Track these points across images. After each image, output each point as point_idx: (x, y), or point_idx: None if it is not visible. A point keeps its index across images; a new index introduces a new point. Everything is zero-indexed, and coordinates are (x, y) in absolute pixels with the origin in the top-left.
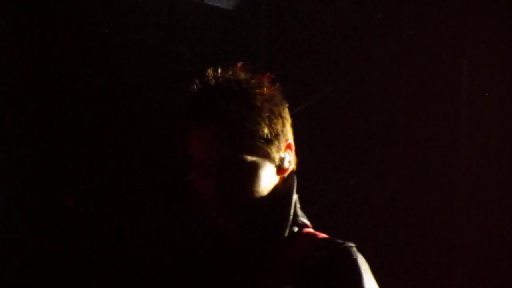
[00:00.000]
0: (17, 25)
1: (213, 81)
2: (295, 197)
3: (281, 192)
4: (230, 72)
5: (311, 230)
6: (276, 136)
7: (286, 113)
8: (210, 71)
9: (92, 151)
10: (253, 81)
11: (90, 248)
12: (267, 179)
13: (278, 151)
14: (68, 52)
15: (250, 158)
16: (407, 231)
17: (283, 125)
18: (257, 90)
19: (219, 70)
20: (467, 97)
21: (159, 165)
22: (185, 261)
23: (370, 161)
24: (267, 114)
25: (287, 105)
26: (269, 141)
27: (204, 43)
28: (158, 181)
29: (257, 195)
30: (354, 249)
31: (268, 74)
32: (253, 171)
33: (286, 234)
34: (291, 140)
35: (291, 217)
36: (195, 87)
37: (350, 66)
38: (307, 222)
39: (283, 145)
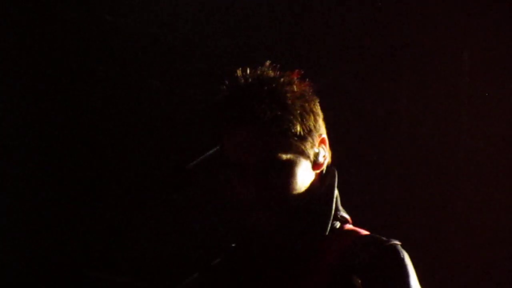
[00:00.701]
0: (17, 11)
1: (243, 81)
2: (336, 192)
3: (319, 188)
4: (259, 72)
5: (351, 226)
6: (309, 132)
7: (318, 108)
8: (239, 71)
9: (93, 143)
10: (282, 79)
11: (91, 244)
12: (304, 176)
13: (312, 147)
14: (67, 41)
15: (285, 156)
16: (407, 231)
17: (315, 120)
18: (288, 88)
19: (248, 70)
20: (467, 96)
21: (160, 155)
22: (221, 258)
23: (370, 159)
24: (298, 111)
25: (318, 100)
26: (302, 138)
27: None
28: (159, 171)
29: (295, 192)
30: (400, 247)
31: (297, 70)
32: (289, 169)
33: (328, 231)
34: (324, 135)
35: (332, 213)
36: (226, 89)
37: (349, 62)
38: (347, 216)
39: (316, 141)
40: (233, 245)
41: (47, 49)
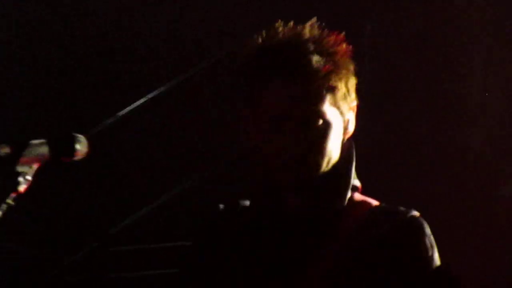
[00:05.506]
0: None
1: (289, 35)
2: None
3: (344, 156)
4: (305, 28)
5: (361, 196)
6: (350, 94)
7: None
8: (278, 25)
9: None
10: (330, 38)
11: None
12: (338, 140)
13: (348, 111)
14: None
15: (328, 114)
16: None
17: (354, 84)
18: (337, 48)
19: (290, 24)
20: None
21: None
22: (232, 219)
23: None
24: (345, 70)
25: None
26: (344, 99)
27: None
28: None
29: (330, 155)
30: (422, 218)
31: (338, 32)
32: (330, 129)
33: (346, 202)
34: (355, 102)
35: (350, 185)
36: (266, 39)
37: None
38: (358, 184)
39: (351, 106)
40: (221, 206)
41: None
